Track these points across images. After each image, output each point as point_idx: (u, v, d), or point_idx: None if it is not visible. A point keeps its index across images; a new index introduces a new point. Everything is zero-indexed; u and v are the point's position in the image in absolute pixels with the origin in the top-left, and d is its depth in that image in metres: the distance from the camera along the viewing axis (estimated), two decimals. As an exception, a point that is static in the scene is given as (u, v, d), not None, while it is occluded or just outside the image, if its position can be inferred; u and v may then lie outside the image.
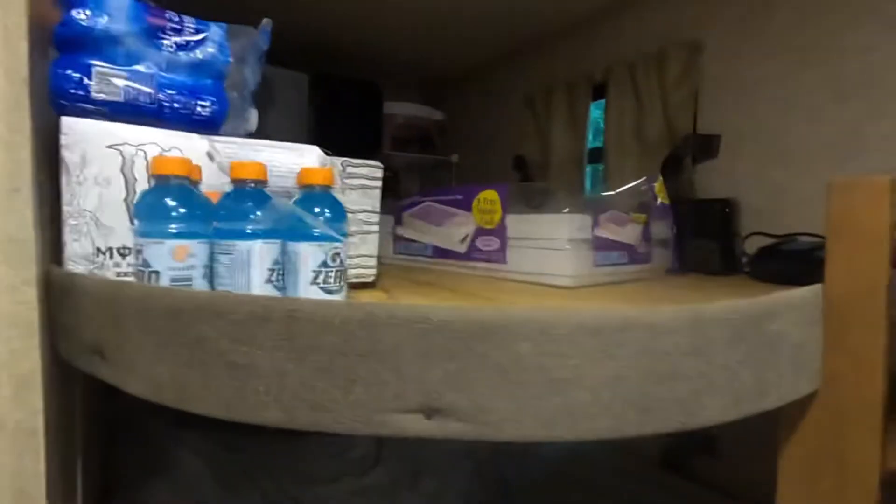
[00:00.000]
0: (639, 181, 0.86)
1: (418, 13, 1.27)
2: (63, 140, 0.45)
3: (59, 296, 0.44)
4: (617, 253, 0.77)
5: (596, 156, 1.29)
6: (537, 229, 0.72)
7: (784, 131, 0.92)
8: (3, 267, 0.38)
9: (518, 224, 0.75)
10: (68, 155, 0.45)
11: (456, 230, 0.86)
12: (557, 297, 0.60)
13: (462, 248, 0.84)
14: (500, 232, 0.78)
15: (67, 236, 0.46)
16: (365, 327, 0.33)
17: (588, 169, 1.32)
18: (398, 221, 1.00)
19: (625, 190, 0.85)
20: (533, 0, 1.19)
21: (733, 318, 0.36)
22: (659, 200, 0.90)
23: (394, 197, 1.16)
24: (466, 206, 0.83)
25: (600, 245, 0.73)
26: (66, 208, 0.46)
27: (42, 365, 0.41)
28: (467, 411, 0.32)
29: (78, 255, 0.46)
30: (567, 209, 0.70)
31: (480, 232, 0.81)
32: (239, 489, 1.04)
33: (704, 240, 0.94)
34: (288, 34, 1.41)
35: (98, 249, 0.46)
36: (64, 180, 0.45)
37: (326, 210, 0.44)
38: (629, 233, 0.80)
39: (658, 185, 0.91)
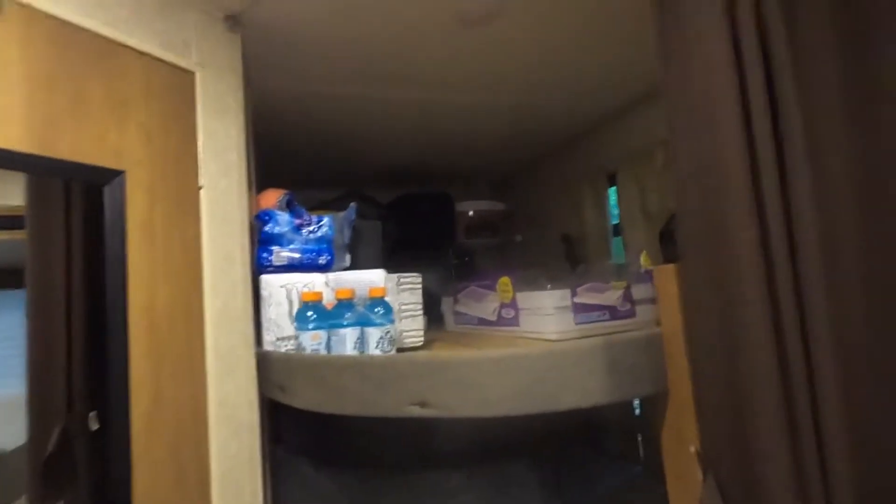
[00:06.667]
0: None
1: (478, 133, 1.72)
2: (261, 286, 0.93)
3: (262, 361, 0.90)
4: (597, 313, 1.07)
5: (617, 230, 1.58)
6: (534, 301, 1.06)
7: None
8: (243, 350, 0.85)
9: (524, 298, 1.10)
10: (263, 293, 0.93)
11: (489, 304, 1.22)
12: (537, 345, 0.93)
13: (494, 318, 1.20)
14: (514, 304, 1.13)
15: (263, 332, 0.93)
16: (392, 365, 0.72)
17: (614, 241, 1.61)
18: (456, 300, 1.39)
19: (607, 265, 1.16)
20: (563, 110, 1.56)
21: (575, 350, 0.68)
22: (643, 268, 1.18)
23: (469, 276, 1.58)
24: (493, 287, 1.20)
25: (580, 309, 1.04)
26: (262, 318, 0.93)
27: (259, 395, 0.86)
28: (438, 403, 0.69)
29: (268, 341, 0.93)
30: (549, 286, 1.04)
31: (503, 305, 1.17)
32: (361, 504, 1.44)
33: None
34: (380, 167, 1.97)
35: (277, 338, 0.92)
36: (262, 305, 0.93)
37: (381, 309, 0.85)
38: (609, 297, 1.10)
39: (643, 256, 1.20)
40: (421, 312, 1.01)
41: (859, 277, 0.56)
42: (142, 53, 0.75)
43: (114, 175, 0.69)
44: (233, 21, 0.90)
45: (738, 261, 0.51)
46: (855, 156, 0.57)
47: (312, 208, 1.23)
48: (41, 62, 0.63)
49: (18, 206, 0.89)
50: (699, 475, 0.65)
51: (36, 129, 0.62)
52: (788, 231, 0.53)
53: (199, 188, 0.82)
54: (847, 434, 0.52)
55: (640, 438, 1.54)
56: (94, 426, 0.88)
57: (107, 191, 0.69)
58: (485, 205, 2.17)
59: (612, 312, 1.09)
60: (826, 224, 0.55)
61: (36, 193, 0.87)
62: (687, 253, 0.60)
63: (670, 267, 0.71)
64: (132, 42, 0.74)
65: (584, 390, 0.68)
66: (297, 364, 0.82)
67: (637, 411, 1.55)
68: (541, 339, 1.02)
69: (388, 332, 0.84)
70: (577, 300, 1.05)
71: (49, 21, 0.64)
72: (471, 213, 2.16)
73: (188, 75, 0.82)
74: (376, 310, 0.85)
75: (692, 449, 0.65)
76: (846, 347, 0.54)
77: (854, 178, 0.57)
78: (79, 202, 0.86)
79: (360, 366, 0.74)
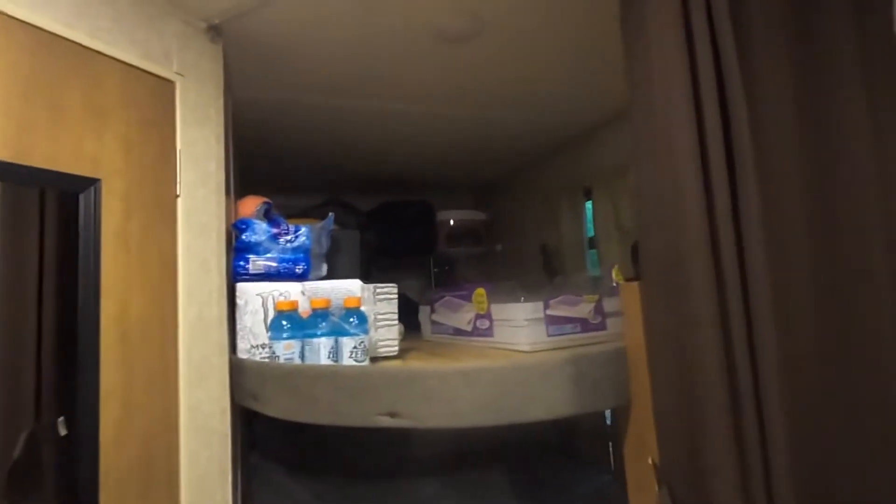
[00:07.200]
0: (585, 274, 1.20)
1: (459, 144, 1.74)
2: (237, 294, 0.94)
3: (236, 369, 0.91)
4: (570, 325, 1.10)
5: (593, 243, 1.62)
6: (508, 313, 1.09)
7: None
8: (217, 358, 0.86)
9: (498, 310, 1.12)
10: (239, 301, 0.94)
11: (464, 315, 1.24)
12: (510, 356, 0.95)
13: (469, 328, 1.22)
14: (489, 315, 1.15)
15: (238, 340, 0.94)
16: (364, 376, 0.73)
17: (589, 253, 1.64)
18: (433, 310, 1.40)
19: (582, 277, 1.19)
20: (541, 125, 1.59)
21: (541, 364, 0.71)
22: (614, 282, 1.22)
23: (451, 282, 1.58)
24: (468, 298, 1.22)
25: (552, 321, 1.07)
26: (237, 326, 0.94)
27: (231, 403, 0.87)
28: (408, 413, 0.70)
29: (242, 349, 0.93)
30: (523, 299, 1.06)
31: (478, 316, 1.19)
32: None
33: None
34: (361, 175, 1.98)
35: (252, 346, 0.93)
36: (237, 313, 0.94)
37: (356, 318, 0.86)
38: (581, 310, 1.13)
39: (615, 270, 1.23)
40: (396, 322, 1.03)
41: (808, 303, 0.59)
42: (121, 63, 0.76)
43: (89, 183, 0.70)
44: (215, 31, 0.91)
45: (691, 284, 0.54)
46: (806, 184, 0.61)
47: (293, 215, 1.24)
48: (18, 71, 0.63)
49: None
50: (657, 486, 0.67)
51: (11, 137, 0.62)
52: (740, 257, 0.56)
53: (177, 197, 0.82)
54: (791, 451, 0.55)
55: (611, 446, 1.58)
56: (63, 432, 0.87)
57: (82, 199, 0.69)
58: (466, 214, 2.20)
59: (584, 325, 1.12)
60: (776, 251, 0.58)
61: (9, 197, 0.87)
62: (646, 273, 0.63)
63: (635, 285, 0.74)
64: (112, 51, 0.74)
65: (549, 403, 0.70)
66: (270, 373, 0.83)
67: (609, 420, 1.59)
68: (514, 350, 1.04)
69: (362, 342, 0.85)
70: (549, 312, 1.07)
71: (27, 30, 0.64)
72: (452, 221, 2.18)
73: (168, 84, 0.83)
74: (351, 319, 0.86)
75: (650, 460, 0.68)
76: (793, 369, 0.57)
77: (804, 205, 0.61)
78: (53, 208, 0.86)
79: (332, 376, 0.76)
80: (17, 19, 0.63)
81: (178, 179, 0.82)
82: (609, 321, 1.15)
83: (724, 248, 0.55)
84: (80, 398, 0.67)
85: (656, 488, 0.67)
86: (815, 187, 0.61)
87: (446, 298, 1.33)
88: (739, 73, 0.56)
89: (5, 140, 0.61)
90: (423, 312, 1.42)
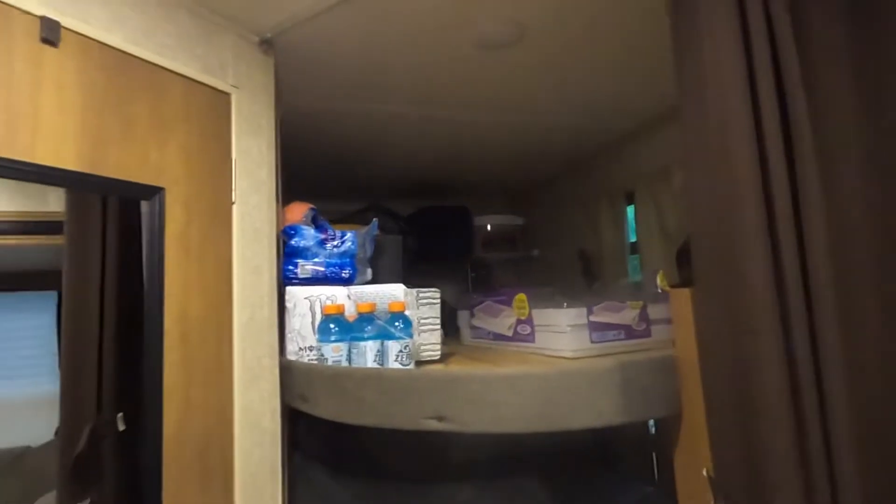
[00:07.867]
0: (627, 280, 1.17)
1: (497, 149, 1.74)
2: (286, 297, 0.97)
3: (285, 371, 0.94)
4: (613, 332, 1.08)
5: (635, 248, 1.59)
6: (550, 318, 1.08)
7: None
8: (268, 360, 0.89)
9: (540, 315, 1.12)
10: (288, 304, 0.97)
11: (505, 320, 1.24)
12: (553, 362, 0.94)
13: (509, 333, 1.22)
14: (530, 321, 1.15)
15: (287, 342, 0.97)
16: (411, 379, 0.74)
17: (630, 259, 1.61)
18: (472, 315, 1.41)
19: (624, 285, 1.17)
20: (582, 129, 1.58)
21: (588, 370, 0.70)
22: (659, 288, 1.19)
23: (488, 287, 1.57)
24: (509, 303, 1.22)
25: (596, 327, 1.06)
26: (286, 329, 0.97)
27: (281, 404, 0.89)
28: (454, 417, 0.71)
29: (291, 351, 0.96)
30: (566, 304, 1.05)
31: (519, 321, 1.19)
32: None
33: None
34: (401, 180, 2.01)
35: (300, 348, 0.96)
36: (286, 316, 0.97)
37: (401, 323, 0.88)
38: (625, 316, 1.11)
39: (660, 276, 1.20)
40: (439, 326, 1.03)
41: (875, 308, 0.57)
42: (183, 77, 0.80)
43: (154, 191, 0.74)
44: (267, 45, 0.95)
45: (748, 291, 0.52)
46: (871, 183, 0.58)
47: (333, 220, 1.27)
48: (94, 87, 0.67)
49: (49, 212, 0.95)
50: (711, 499, 0.65)
51: (87, 149, 0.66)
52: (801, 263, 0.54)
53: (232, 204, 0.86)
54: (859, 465, 0.53)
55: (654, 458, 1.53)
56: (121, 427, 0.92)
57: (147, 206, 0.73)
58: (503, 219, 2.19)
59: (628, 332, 1.10)
60: (840, 253, 0.56)
61: (75, 203, 0.93)
62: (700, 279, 0.61)
63: (686, 291, 0.73)
64: (175, 66, 0.78)
65: (596, 411, 0.69)
66: (318, 375, 0.85)
67: (653, 430, 1.55)
68: (556, 356, 1.03)
69: (407, 345, 0.87)
70: (593, 319, 1.06)
71: (102, 49, 0.69)
72: (489, 226, 2.19)
73: (224, 97, 0.87)
74: (396, 323, 0.87)
75: (704, 473, 0.66)
76: (860, 378, 0.55)
77: (869, 205, 0.58)
78: (115, 213, 0.91)
79: (379, 378, 0.77)
80: (93, 40, 0.67)
81: (233, 187, 0.86)
82: (654, 328, 1.13)
83: (784, 252, 0.53)
84: (146, 395, 0.71)
85: (711, 501, 0.65)
86: (881, 186, 0.58)
87: (486, 303, 1.33)
88: (799, 68, 0.54)
89: (82, 153, 0.66)
90: (463, 317, 1.43)
